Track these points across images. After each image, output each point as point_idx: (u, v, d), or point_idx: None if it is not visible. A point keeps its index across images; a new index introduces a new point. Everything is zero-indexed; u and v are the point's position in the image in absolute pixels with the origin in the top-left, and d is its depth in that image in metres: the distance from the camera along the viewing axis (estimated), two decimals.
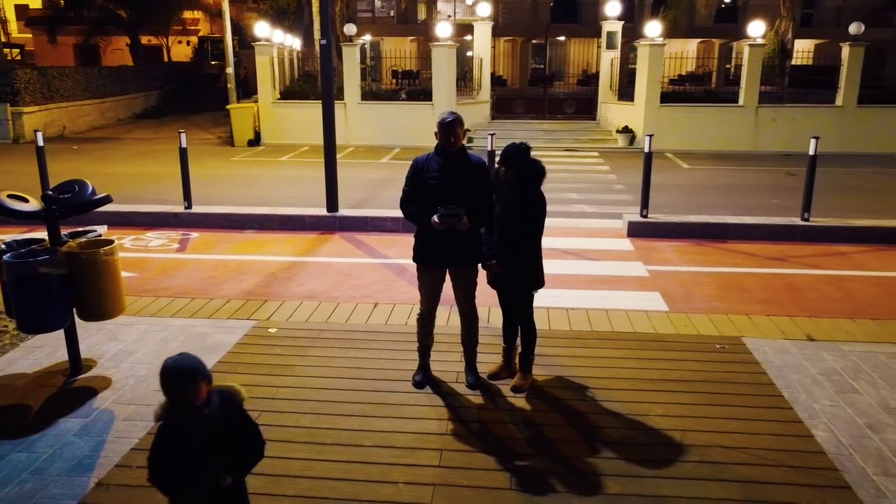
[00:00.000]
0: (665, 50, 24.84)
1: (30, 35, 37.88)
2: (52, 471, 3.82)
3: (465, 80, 21.86)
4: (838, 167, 14.36)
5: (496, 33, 36.78)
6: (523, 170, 4.50)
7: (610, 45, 17.65)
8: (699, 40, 36.16)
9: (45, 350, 5.38)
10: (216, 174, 13.49)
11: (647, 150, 8.91)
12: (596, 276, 7.29)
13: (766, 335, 5.65)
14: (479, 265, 4.61)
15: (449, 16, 42.05)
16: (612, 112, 17.59)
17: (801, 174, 13.39)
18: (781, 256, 7.99)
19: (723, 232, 8.68)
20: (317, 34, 20.01)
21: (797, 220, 8.86)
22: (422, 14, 38.81)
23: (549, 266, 5.35)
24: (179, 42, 35.65)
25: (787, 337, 5.61)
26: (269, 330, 5.74)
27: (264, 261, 7.84)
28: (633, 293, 6.79)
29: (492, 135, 9.22)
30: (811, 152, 8.70)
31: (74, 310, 4.78)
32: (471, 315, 4.68)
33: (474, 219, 4.33)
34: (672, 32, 20.20)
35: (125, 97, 24.41)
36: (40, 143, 9.30)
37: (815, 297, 6.69)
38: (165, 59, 33.58)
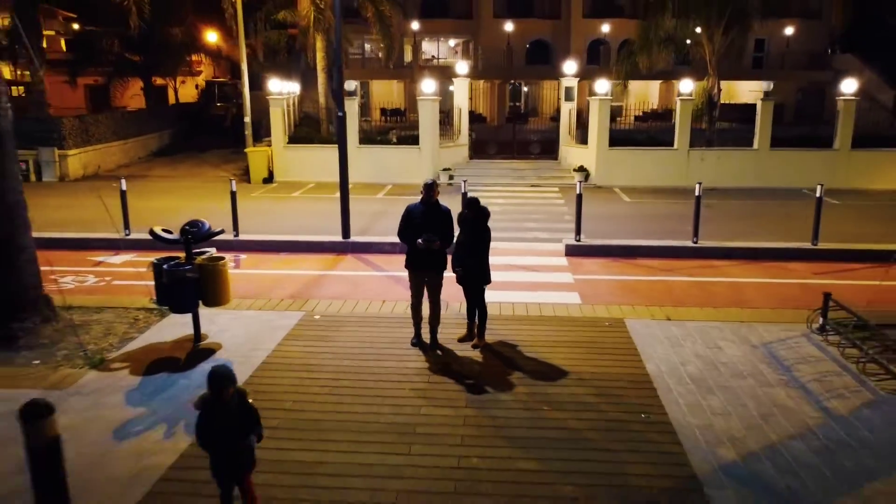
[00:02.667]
0: (630, 89, 28.18)
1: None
2: (203, 388, 6.70)
3: (448, 117, 24.61)
4: (750, 199, 17.56)
5: (476, 76, 40.30)
6: (476, 213, 7.52)
7: (568, 98, 20.89)
8: (661, 81, 39.64)
9: (169, 329, 8.28)
10: (242, 207, 16.30)
11: (578, 191, 11.96)
12: (536, 283, 10.31)
13: (640, 317, 8.67)
14: (449, 271, 7.58)
15: (433, 56, 45.46)
16: (571, 153, 20.79)
17: (716, 206, 16.66)
18: (671, 268, 11.07)
19: (634, 251, 11.76)
20: (321, 87, 23.05)
21: (688, 243, 11.97)
22: (408, 56, 42.01)
23: (503, 275, 8.33)
24: (183, 82, 38.66)
25: (653, 318, 8.64)
26: (314, 316, 8.68)
27: (299, 274, 10.79)
28: (560, 293, 9.82)
29: (464, 181, 12.28)
30: (697, 193, 11.80)
31: (200, 300, 7.69)
32: (436, 304, 7.62)
33: (442, 242, 7.31)
34: (633, 76, 23.19)
35: (143, 137, 27.26)
36: (123, 187, 12.25)
37: (683, 294, 9.75)
38: (172, 99, 36.57)
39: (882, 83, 38.03)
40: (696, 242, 11.88)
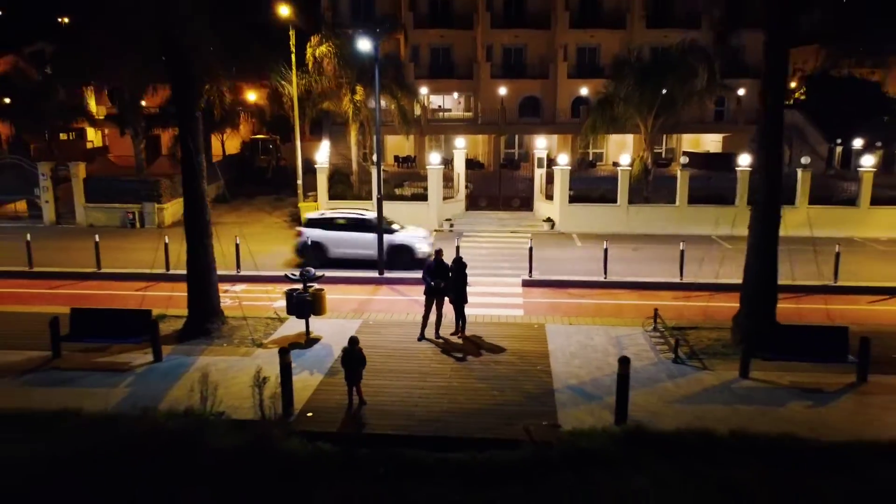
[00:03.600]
0: (611, 138, 34.68)
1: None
2: (321, 356, 13.32)
3: (450, 169, 30.56)
4: (669, 245, 23.97)
5: (476, 130, 47.20)
6: (459, 265, 14.14)
7: (539, 166, 27.56)
8: (633, 134, 46.25)
9: (289, 328, 14.86)
10: None
11: (529, 245, 18.51)
12: (498, 303, 16.88)
13: (555, 323, 15.21)
14: (446, 297, 14.16)
15: (440, 106, 52.34)
16: (542, 207, 27.41)
17: (642, 249, 23.03)
18: (585, 295, 17.64)
19: (565, 283, 18.31)
20: (354, 156, 29.81)
21: (601, 278, 18.53)
22: (417, 110, 48.79)
23: (479, 299, 14.87)
24: (223, 133, 45.60)
25: (562, 323, 15.17)
26: (369, 321, 15.25)
27: (354, 297, 17.39)
28: (510, 310, 16.39)
29: (459, 236, 18.85)
30: (604, 246, 18.34)
31: (311, 312, 14.25)
32: (440, 313, 14.21)
33: (445, 283, 13.90)
34: (607, 130, 29.46)
35: (207, 187, 33.96)
36: (237, 241, 18.89)
37: (587, 310, 16.29)
38: (217, 150, 43.43)
39: (820, 137, 44.63)
40: (605, 278, 18.45)
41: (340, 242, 19.93)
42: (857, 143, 40.40)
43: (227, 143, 44.73)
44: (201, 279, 14.63)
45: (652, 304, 16.52)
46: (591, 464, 9.34)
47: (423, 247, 20.07)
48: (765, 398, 11.59)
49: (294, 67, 26.25)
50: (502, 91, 45.04)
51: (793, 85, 71.43)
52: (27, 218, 28.89)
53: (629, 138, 49.14)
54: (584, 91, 45.08)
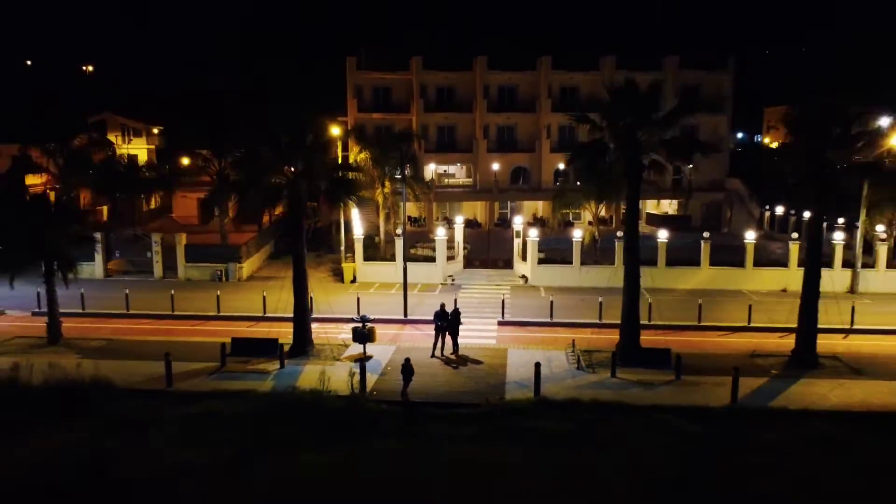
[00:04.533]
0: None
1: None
2: (375, 365, 23.21)
3: (451, 226, 40.64)
4: (608, 295, 33.70)
5: (474, 196, 57.36)
6: (455, 313, 24.07)
7: (517, 236, 37.53)
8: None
9: (352, 350, 24.70)
10: (347, 299, 32.78)
11: (502, 298, 28.32)
12: (479, 335, 26.67)
13: (513, 348, 25.04)
14: (447, 331, 24.03)
15: (445, 170, 62.65)
16: (519, 266, 37.26)
17: (587, 299, 32.94)
18: (538, 330, 27.42)
19: (525, 323, 28.06)
20: (382, 228, 39.94)
21: (549, 319, 28.30)
22: (427, 175, 59.08)
23: (467, 332, 24.74)
24: None
25: (517, 348, 24.99)
26: (401, 346, 25.09)
27: (387, 332, 27.24)
28: (488, 340, 26.26)
29: (458, 290, 28.72)
30: (550, 299, 28.17)
31: (368, 340, 24.05)
32: (443, 342, 24.05)
33: (447, 323, 23.79)
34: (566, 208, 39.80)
35: (264, 248, 43.97)
36: (311, 293, 28.81)
37: (536, 340, 26.10)
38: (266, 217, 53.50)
39: (755, 203, 54.55)
40: (552, 318, 28.25)
41: None
42: (779, 209, 50.30)
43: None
44: (302, 319, 24.52)
45: (578, 337, 26.35)
46: (516, 414, 19.04)
47: None
48: (618, 386, 21.32)
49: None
50: (496, 166, 55.31)
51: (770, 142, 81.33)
52: (131, 273, 38.77)
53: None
54: (561, 166, 55.35)
